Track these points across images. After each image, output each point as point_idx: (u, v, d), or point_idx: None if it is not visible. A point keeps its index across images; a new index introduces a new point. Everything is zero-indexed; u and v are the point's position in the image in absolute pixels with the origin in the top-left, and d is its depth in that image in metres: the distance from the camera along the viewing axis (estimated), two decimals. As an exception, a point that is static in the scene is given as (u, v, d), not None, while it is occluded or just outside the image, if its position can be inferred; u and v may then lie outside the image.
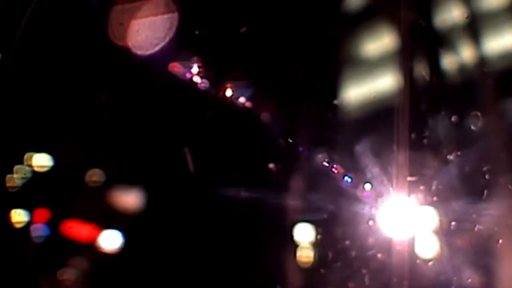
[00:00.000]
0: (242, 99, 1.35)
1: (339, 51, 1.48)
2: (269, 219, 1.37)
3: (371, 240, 1.33)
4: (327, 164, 1.31)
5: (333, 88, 1.45)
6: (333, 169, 1.30)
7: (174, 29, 1.33)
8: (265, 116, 1.37)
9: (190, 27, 1.34)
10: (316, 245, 1.40)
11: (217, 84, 1.35)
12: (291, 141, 1.35)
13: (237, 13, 1.36)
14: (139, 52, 1.34)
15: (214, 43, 1.35)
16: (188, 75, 1.35)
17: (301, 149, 1.35)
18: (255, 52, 1.36)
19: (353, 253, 1.34)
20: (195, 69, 1.35)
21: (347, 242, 1.34)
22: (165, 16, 1.33)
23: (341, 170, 1.31)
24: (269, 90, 1.39)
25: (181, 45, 1.34)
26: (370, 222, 1.32)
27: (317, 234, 1.39)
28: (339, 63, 1.48)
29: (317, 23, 1.40)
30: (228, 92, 1.35)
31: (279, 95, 1.40)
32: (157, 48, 1.33)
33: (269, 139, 1.37)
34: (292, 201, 1.37)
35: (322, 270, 1.38)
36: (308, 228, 1.40)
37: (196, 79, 1.35)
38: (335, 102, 1.41)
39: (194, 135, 1.38)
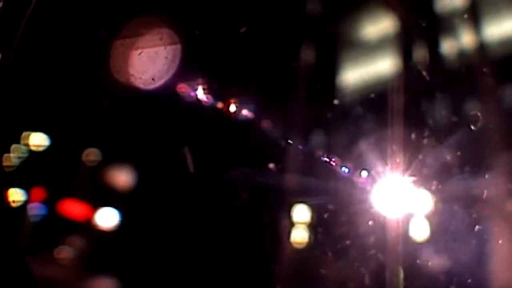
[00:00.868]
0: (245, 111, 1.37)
1: (337, 34, 1.48)
2: (268, 201, 1.38)
3: (368, 224, 1.34)
4: (325, 158, 1.32)
5: (330, 83, 1.45)
6: (331, 162, 1.31)
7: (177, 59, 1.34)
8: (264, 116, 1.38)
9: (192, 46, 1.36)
10: (312, 227, 1.41)
11: (221, 96, 1.36)
12: (290, 142, 1.36)
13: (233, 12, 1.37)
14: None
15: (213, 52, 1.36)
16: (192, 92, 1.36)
17: (300, 146, 1.36)
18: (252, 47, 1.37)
19: (350, 239, 1.36)
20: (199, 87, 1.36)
21: (344, 227, 1.36)
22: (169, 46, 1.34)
23: (339, 162, 1.32)
24: (267, 84, 1.39)
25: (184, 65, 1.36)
26: (368, 206, 1.34)
27: (314, 216, 1.40)
28: (335, 49, 1.48)
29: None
30: (232, 108, 1.36)
31: (276, 89, 1.41)
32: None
33: (268, 138, 1.38)
34: (290, 186, 1.38)
35: (317, 252, 1.40)
36: (305, 211, 1.41)
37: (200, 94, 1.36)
38: (334, 101, 1.42)
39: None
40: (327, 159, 1.31)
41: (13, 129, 1.38)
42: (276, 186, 1.37)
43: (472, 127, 1.34)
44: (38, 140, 1.46)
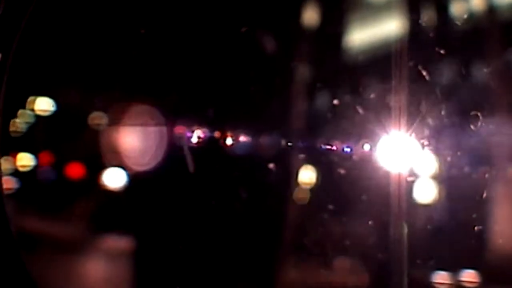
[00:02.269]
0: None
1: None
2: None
3: (373, 186, 1.36)
4: (326, 146, 1.32)
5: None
6: (332, 148, 1.32)
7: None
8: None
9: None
10: (317, 190, 1.42)
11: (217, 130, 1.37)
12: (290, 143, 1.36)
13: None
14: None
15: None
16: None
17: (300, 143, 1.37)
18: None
19: (355, 200, 1.37)
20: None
21: (350, 190, 1.37)
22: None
23: (340, 145, 1.32)
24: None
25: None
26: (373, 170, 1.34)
27: (319, 179, 1.42)
28: (339, 8, 1.46)
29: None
30: (228, 141, 1.36)
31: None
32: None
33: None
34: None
35: (322, 213, 1.42)
36: (311, 174, 1.42)
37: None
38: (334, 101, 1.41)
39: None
40: (328, 146, 1.32)
41: (19, 94, 1.39)
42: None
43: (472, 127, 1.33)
44: (44, 105, 1.46)
